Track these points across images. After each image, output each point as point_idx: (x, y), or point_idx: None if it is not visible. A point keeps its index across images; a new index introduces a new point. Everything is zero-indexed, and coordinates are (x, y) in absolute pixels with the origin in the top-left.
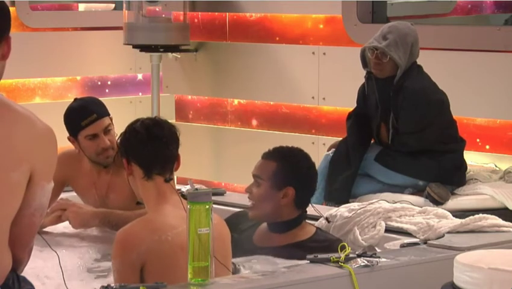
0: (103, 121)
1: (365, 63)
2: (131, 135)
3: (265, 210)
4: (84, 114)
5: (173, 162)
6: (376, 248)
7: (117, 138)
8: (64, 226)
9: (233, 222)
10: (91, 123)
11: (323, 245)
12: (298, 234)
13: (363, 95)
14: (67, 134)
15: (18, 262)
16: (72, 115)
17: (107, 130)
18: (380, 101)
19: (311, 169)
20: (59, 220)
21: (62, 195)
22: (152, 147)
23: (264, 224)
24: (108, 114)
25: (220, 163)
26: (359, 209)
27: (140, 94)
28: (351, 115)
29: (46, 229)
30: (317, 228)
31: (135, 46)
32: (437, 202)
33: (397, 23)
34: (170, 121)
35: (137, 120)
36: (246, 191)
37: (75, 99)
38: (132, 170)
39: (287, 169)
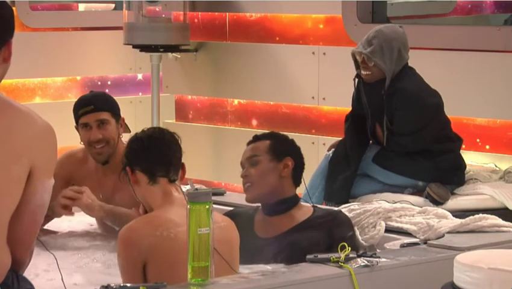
0: (98, 114)
1: (358, 65)
2: (133, 143)
3: (267, 186)
4: (82, 104)
5: (176, 164)
6: (376, 248)
7: (121, 137)
8: (67, 226)
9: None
10: (86, 114)
11: (328, 220)
12: (298, 214)
13: (356, 97)
14: (67, 134)
15: (20, 264)
16: (76, 103)
17: (102, 124)
18: (369, 104)
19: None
20: (67, 208)
21: None
22: (154, 150)
23: (260, 214)
24: (110, 110)
25: (220, 163)
26: (359, 209)
27: (140, 94)
28: (348, 117)
29: (48, 229)
30: (313, 205)
31: (135, 46)
32: (437, 202)
33: (384, 27)
34: (169, 121)
35: (140, 131)
36: (242, 176)
37: (91, 91)
38: (136, 178)
39: (283, 142)
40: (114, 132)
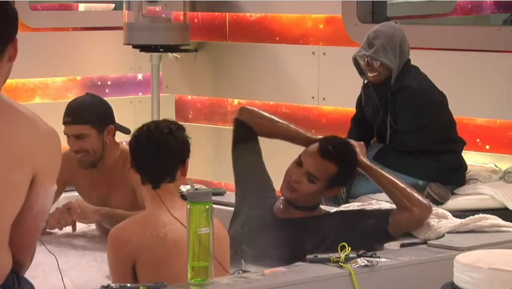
0: (76, 127)
1: (361, 71)
2: (130, 143)
3: (306, 200)
4: (65, 112)
5: (161, 173)
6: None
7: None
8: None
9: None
10: (65, 124)
11: (344, 211)
12: (318, 210)
13: (360, 105)
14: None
15: (20, 266)
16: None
17: (80, 137)
18: (382, 105)
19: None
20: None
21: (65, 195)
22: (138, 159)
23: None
24: (89, 123)
25: (220, 163)
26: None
27: (140, 94)
28: (351, 120)
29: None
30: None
31: (135, 46)
32: (437, 202)
33: (381, 26)
34: None
35: (142, 126)
36: (294, 177)
37: (86, 94)
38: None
39: (345, 172)
40: (94, 142)
